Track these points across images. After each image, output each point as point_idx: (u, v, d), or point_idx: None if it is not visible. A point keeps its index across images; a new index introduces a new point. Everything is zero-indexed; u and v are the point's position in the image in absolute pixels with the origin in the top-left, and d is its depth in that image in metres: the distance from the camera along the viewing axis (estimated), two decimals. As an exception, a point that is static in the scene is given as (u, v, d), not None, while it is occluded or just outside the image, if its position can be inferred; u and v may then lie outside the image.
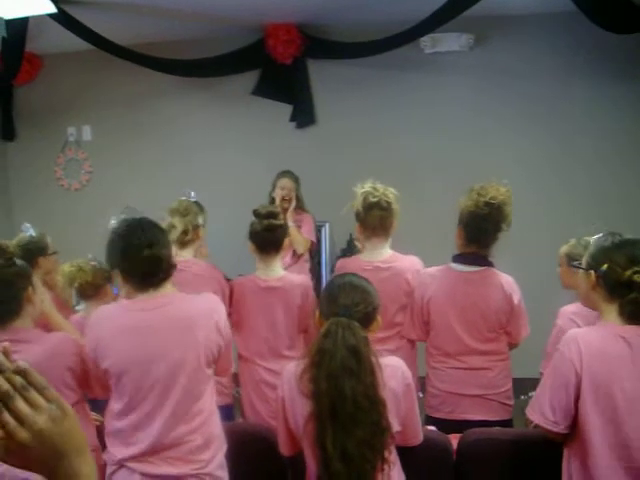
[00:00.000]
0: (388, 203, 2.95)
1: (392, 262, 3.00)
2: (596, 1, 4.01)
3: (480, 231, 2.81)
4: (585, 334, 2.02)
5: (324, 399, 1.84)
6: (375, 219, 2.96)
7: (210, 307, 2.20)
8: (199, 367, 2.11)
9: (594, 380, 1.92)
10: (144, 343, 2.09)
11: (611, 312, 2.01)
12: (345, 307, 1.96)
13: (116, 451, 2.11)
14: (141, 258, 2.09)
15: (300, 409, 1.94)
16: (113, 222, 2.26)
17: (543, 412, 1.99)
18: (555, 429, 1.98)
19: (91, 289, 3.04)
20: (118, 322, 2.15)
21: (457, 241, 2.91)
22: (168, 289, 2.18)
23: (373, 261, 2.98)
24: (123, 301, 2.23)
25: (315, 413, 1.86)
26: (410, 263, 3.04)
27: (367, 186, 2.98)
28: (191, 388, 2.09)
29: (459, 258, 2.90)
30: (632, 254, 1.98)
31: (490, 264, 2.88)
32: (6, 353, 0.87)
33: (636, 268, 1.94)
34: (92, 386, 2.24)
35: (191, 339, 2.10)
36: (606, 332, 1.99)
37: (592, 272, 2.04)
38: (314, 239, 4.75)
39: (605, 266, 1.99)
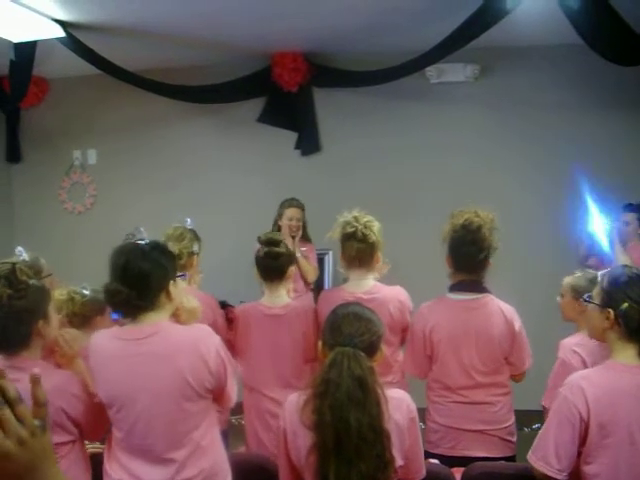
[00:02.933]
0: (365, 235, 2.88)
1: (375, 293, 2.96)
2: (601, 33, 4.02)
3: (463, 255, 2.74)
4: (590, 376, 1.95)
5: (328, 430, 1.80)
6: (352, 250, 2.91)
7: (197, 338, 2.09)
8: (184, 399, 2.02)
9: (604, 423, 1.85)
10: (129, 373, 2.03)
11: (627, 351, 1.92)
12: (349, 336, 1.92)
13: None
14: (108, 291, 2.07)
15: (302, 441, 1.89)
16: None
17: (547, 460, 1.92)
18: (559, 477, 1.91)
19: (78, 320, 2.92)
20: (106, 351, 2.10)
21: (448, 269, 2.87)
22: (158, 317, 2.09)
23: (356, 292, 2.93)
24: (114, 328, 2.18)
25: (318, 445, 1.82)
26: (393, 294, 2.99)
27: (349, 215, 2.92)
28: (178, 421, 2.02)
29: (455, 287, 2.84)
30: None
31: (487, 290, 2.83)
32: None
33: None
34: (90, 427, 2.12)
35: (172, 370, 2.02)
36: (617, 372, 1.91)
37: (610, 310, 1.94)
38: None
39: (625, 305, 1.89)
